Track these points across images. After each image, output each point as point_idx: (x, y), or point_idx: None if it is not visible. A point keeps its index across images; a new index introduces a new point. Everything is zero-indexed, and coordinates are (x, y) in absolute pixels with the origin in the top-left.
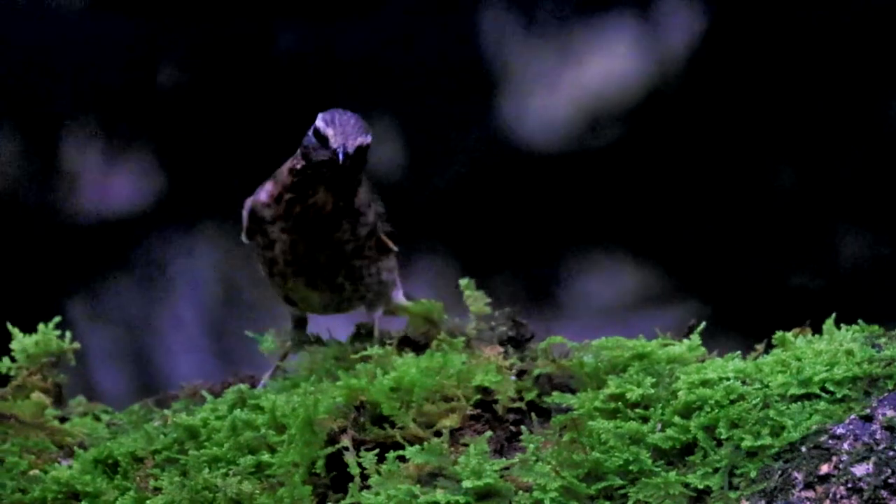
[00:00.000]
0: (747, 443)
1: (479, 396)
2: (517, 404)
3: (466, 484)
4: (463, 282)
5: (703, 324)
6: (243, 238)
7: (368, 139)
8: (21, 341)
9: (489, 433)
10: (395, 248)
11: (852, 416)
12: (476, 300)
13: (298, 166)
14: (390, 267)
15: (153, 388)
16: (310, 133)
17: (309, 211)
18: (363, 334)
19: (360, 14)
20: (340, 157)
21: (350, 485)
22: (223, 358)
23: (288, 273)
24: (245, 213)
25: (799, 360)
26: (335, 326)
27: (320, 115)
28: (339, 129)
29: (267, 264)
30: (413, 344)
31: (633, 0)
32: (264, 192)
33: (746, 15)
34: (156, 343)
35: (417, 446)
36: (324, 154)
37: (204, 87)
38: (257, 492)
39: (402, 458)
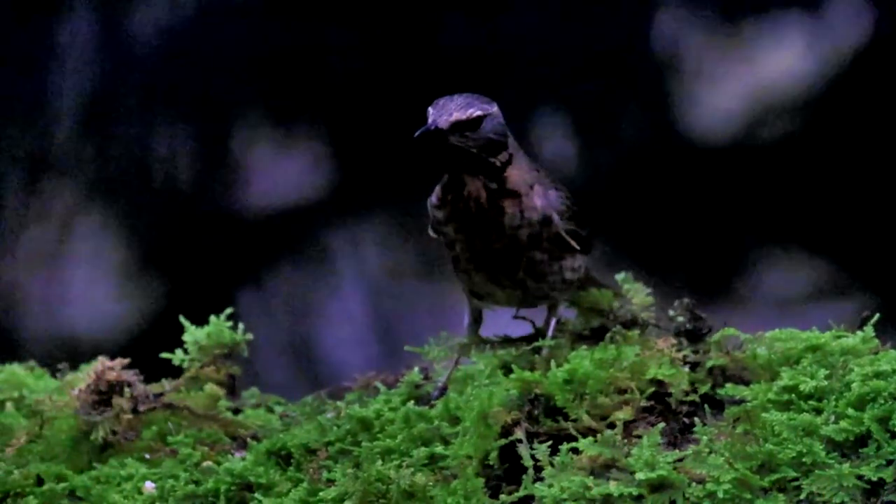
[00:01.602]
0: None
1: (652, 389)
2: (691, 397)
3: (639, 476)
4: (620, 276)
5: (877, 316)
6: (430, 232)
7: (470, 113)
8: (193, 333)
9: (662, 425)
10: (577, 247)
11: None
12: (637, 292)
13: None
14: (575, 267)
15: (321, 380)
16: None
17: (469, 203)
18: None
19: (531, 4)
20: (419, 130)
21: (523, 476)
22: (390, 349)
23: (471, 269)
24: (429, 210)
25: None
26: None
27: None
28: (437, 110)
29: (452, 261)
30: (584, 336)
31: None
32: (434, 195)
33: None
34: (325, 334)
35: (591, 438)
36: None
37: (373, 78)
38: (430, 483)
39: (576, 450)
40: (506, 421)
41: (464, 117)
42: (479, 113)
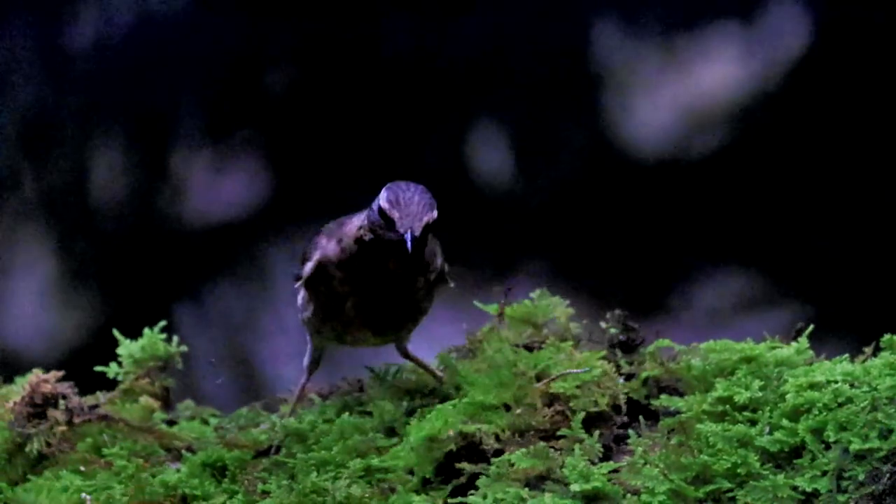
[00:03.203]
0: (855, 445)
1: (585, 403)
2: (623, 418)
3: (574, 487)
4: (536, 293)
5: (811, 327)
6: (298, 286)
7: (434, 215)
8: (127, 346)
9: (597, 434)
10: (452, 284)
11: None
12: (555, 306)
13: (366, 238)
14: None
15: (258, 393)
16: (374, 208)
17: (381, 275)
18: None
19: (467, 16)
20: (409, 244)
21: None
22: (328, 363)
23: (354, 324)
24: (311, 265)
25: None
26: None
27: (384, 192)
28: (404, 212)
29: (326, 314)
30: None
31: (739, 8)
32: (331, 251)
33: (854, 21)
34: (261, 347)
35: (524, 450)
36: (391, 235)
37: (312, 91)
38: (367, 496)
39: (510, 463)
40: (451, 448)
41: (431, 220)
42: (436, 213)
